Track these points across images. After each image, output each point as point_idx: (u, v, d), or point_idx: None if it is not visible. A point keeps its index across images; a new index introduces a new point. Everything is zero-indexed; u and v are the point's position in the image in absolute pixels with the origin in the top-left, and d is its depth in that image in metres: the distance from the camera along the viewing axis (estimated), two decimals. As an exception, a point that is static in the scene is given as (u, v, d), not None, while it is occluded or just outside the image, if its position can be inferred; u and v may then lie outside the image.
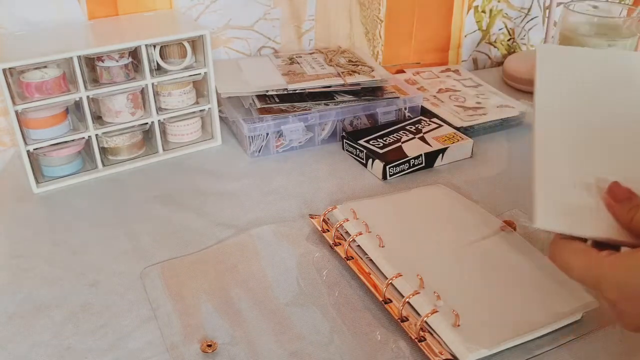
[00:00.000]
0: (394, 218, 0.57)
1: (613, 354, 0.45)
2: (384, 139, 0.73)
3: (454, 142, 0.72)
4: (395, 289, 0.49)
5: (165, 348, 0.46)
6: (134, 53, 0.68)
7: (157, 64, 0.70)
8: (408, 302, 0.47)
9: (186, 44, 0.70)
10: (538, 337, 0.46)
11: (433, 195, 0.62)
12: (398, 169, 0.69)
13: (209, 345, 0.45)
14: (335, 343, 0.46)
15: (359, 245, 0.54)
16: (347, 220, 0.56)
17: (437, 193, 0.63)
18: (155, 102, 0.70)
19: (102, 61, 0.66)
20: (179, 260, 0.55)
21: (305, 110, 0.73)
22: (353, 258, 0.53)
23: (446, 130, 0.75)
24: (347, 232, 0.56)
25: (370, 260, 0.52)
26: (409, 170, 0.70)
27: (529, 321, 0.46)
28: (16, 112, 0.62)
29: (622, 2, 0.99)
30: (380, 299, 0.49)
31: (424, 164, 0.70)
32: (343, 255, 0.53)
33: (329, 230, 0.57)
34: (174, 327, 0.47)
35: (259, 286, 0.52)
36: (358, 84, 0.76)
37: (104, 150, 0.71)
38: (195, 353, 0.45)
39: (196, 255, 0.56)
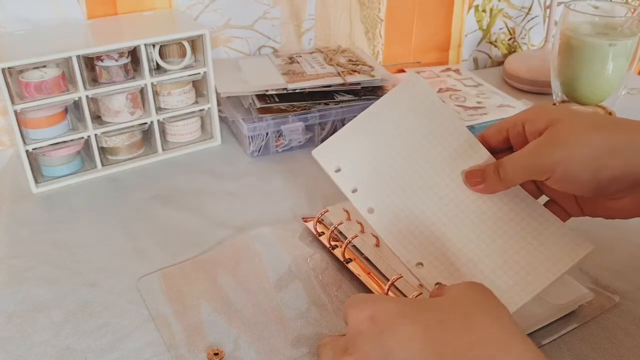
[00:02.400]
0: (379, 175, 0.51)
1: (610, 344, 0.45)
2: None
3: (454, 142, 0.72)
4: (397, 288, 0.49)
5: (166, 348, 0.45)
6: (133, 52, 0.68)
7: (157, 63, 0.69)
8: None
9: (186, 44, 0.70)
10: (536, 331, 0.46)
11: (412, 105, 0.52)
12: (398, 168, 0.68)
13: (216, 354, 0.45)
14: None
15: (354, 246, 0.54)
16: (342, 223, 0.55)
17: (415, 100, 0.52)
18: (154, 101, 0.70)
19: (102, 61, 0.66)
20: (178, 262, 0.55)
21: (305, 109, 0.73)
22: (352, 260, 0.53)
23: (446, 129, 0.75)
24: (342, 234, 0.55)
25: (368, 259, 0.52)
26: (409, 170, 0.69)
27: (527, 317, 0.46)
28: (15, 111, 0.62)
29: (625, 2, 0.99)
30: None
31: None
32: (341, 258, 0.53)
33: (324, 233, 0.57)
34: (174, 328, 0.47)
35: (258, 287, 0.51)
36: (358, 84, 0.76)
37: (103, 150, 0.71)
38: (195, 354, 0.45)
39: (195, 257, 0.56)
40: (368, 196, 0.49)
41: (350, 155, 0.51)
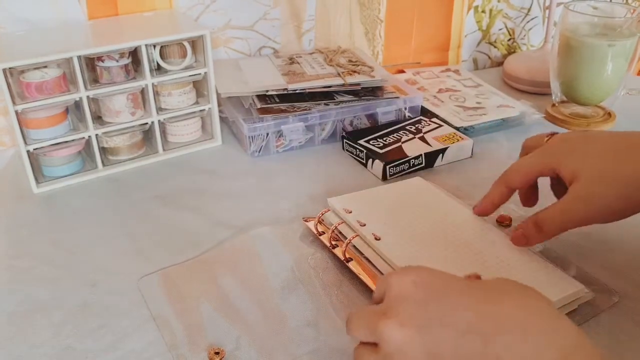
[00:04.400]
0: (385, 214, 0.57)
1: (609, 344, 0.45)
2: (384, 139, 0.73)
3: (454, 142, 0.72)
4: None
5: (166, 348, 0.45)
6: (134, 53, 0.68)
7: (157, 64, 0.70)
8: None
9: (186, 44, 0.70)
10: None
11: (417, 189, 0.62)
12: (398, 168, 0.69)
13: (217, 353, 0.45)
14: (336, 344, 0.46)
15: (355, 246, 0.54)
16: (342, 223, 0.56)
17: (420, 186, 0.63)
18: (155, 102, 0.70)
19: (102, 61, 0.66)
20: (178, 263, 0.55)
21: (305, 110, 0.73)
22: (352, 259, 0.53)
23: (446, 130, 0.75)
24: (342, 234, 0.55)
25: (368, 259, 0.52)
26: (409, 170, 0.70)
27: None
28: (16, 112, 0.62)
29: (624, 3, 0.99)
30: None
31: (424, 164, 0.70)
32: (342, 258, 0.53)
33: (324, 233, 0.57)
34: (175, 328, 0.47)
35: (259, 287, 0.51)
36: (358, 84, 0.76)
37: (104, 150, 0.71)
38: (196, 353, 0.45)
39: (195, 257, 0.56)
40: (374, 227, 0.54)
41: (360, 203, 0.58)
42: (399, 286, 0.36)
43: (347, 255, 0.53)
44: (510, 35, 1.04)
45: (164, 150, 0.74)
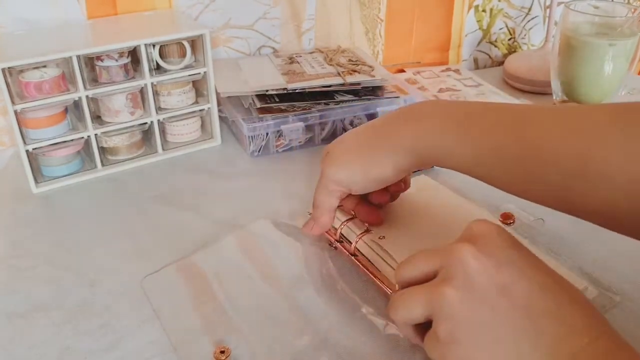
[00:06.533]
0: (389, 212, 0.57)
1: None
2: (384, 138, 0.73)
3: (454, 142, 0.72)
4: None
5: (168, 348, 0.45)
6: (133, 52, 0.68)
7: (157, 63, 0.69)
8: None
9: (186, 44, 0.70)
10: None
11: (422, 187, 0.62)
12: (398, 168, 0.68)
13: (222, 352, 0.45)
14: (342, 339, 0.46)
15: (357, 248, 0.54)
16: (347, 221, 0.55)
17: (426, 184, 0.63)
18: (154, 101, 0.70)
19: (102, 61, 0.66)
20: (179, 262, 0.55)
21: (305, 109, 0.73)
22: (357, 256, 0.53)
23: (446, 129, 0.75)
24: (344, 236, 0.55)
25: (370, 260, 0.52)
26: (409, 170, 0.69)
27: None
28: (15, 111, 0.62)
29: (625, 2, 0.99)
30: (390, 292, 0.49)
31: (424, 164, 0.70)
32: (347, 253, 0.53)
33: (327, 231, 0.57)
34: (177, 327, 0.47)
35: (262, 284, 0.51)
36: (358, 84, 0.76)
37: (103, 150, 0.70)
38: (199, 352, 0.45)
39: (195, 257, 0.55)
40: (379, 229, 0.54)
41: None
42: (485, 227, 0.38)
43: (354, 252, 0.53)
44: (510, 34, 1.04)
45: (163, 150, 0.73)
